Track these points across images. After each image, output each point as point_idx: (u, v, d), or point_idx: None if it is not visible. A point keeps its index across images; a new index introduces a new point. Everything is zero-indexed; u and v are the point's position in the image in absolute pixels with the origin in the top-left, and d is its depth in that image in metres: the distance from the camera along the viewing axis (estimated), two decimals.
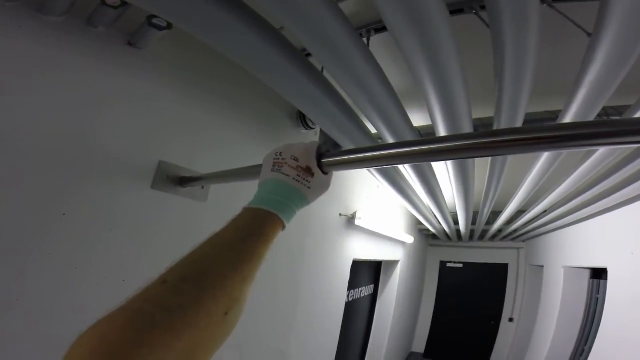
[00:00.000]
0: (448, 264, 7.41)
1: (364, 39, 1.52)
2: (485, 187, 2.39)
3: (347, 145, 1.56)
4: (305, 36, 0.96)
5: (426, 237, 6.66)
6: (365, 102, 1.29)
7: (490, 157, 1.79)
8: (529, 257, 6.35)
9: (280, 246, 1.74)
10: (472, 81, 1.45)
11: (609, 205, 2.62)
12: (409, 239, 4.48)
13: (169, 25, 1.04)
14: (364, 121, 1.57)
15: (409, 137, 1.53)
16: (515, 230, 4.66)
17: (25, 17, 0.90)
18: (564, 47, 1.49)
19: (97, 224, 1.02)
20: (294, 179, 0.55)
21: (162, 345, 0.30)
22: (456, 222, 4.01)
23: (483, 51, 1.22)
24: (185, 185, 1.23)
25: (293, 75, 1.13)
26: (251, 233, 0.46)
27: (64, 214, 0.94)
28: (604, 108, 1.59)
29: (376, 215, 3.22)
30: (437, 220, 3.68)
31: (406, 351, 6.60)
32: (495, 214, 3.76)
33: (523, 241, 6.33)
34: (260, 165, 0.62)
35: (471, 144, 0.51)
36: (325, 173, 0.60)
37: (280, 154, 0.58)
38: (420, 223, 4.97)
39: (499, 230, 4.90)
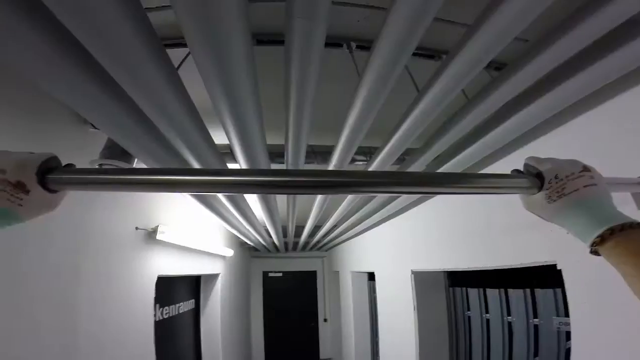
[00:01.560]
0: (270, 274, 7.89)
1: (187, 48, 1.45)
2: (286, 205, 2.68)
3: (137, 152, 1.44)
4: (85, 37, 0.84)
5: (248, 250, 6.85)
6: (160, 119, 1.22)
7: None
8: (330, 265, 7.51)
9: (40, 267, 1.42)
10: (274, 109, 1.62)
11: (371, 224, 3.42)
12: (229, 253, 4.49)
13: None
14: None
15: (208, 154, 1.55)
16: (318, 242, 5.42)
17: None
18: (346, 90, 1.85)
19: None
20: None
21: None
22: (270, 235, 4.32)
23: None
24: None
25: (62, 68, 0.95)
26: None
27: None
28: (367, 147, 2.09)
29: (186, 229, 3.07)
30: (252, 234, 3.86)
31: None
32: (300, 228, 4.27)
33: (325, 251, 7.45)
34: None
35: (253, 180, 0.56)
36: (53, 191, 0.53)
37: None
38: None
39: (307, 242, 5.57)
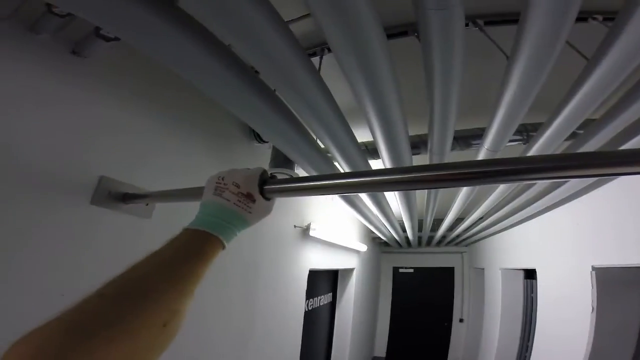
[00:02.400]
0: (400, 270, 7.75)
1: (318, 57, 1.61)
2: (426, 199, 2.58)
3: (297, 158, 1.62)
4: (252, 55, 1.01)
5: (379, 245, 6.91)
6: (312, 119, 1.36)
7: None
8: (471, 261, 6.84)
9: (232, 262, 1.78)
10: (410, 100, 1.60)
11: (532, 213, 2.95)
12: (363, 248, 4.64)
13: (117, 37, 1.04)
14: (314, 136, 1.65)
15: (353, 152, 1.62)
16: (458, 236, 5.02)
17: None
18: (489, 69, 1.69)
19: (32, 240, 0.97)
20: (234, 203, 0.58)
21: (102, 355, 0.32)
22: (404, 230, 4.24)
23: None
24: (129, 202, 1.20)
25: (242, 92, 1.16)
26: (190, 252, 0.49)
27: None
28: (523, 124, 1.84)
29: (330, 226, 3.31)
30: (387, 229, 3.87)
31: (369, 356, 6.73)
32: (438, 222, 4.04)
33: (466, 246, 6.82)
34: (203, 187, 0.64)
35: (409, 177, 0.57)
36: (267, 199, 0.63)
37: (222, 179, 0.61)
38: (373, 232, 5.18)
39: (444, 237, 5.24)
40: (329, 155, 1.80)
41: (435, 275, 7.45)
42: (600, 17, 1.37)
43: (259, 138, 1.95)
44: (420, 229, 4.50)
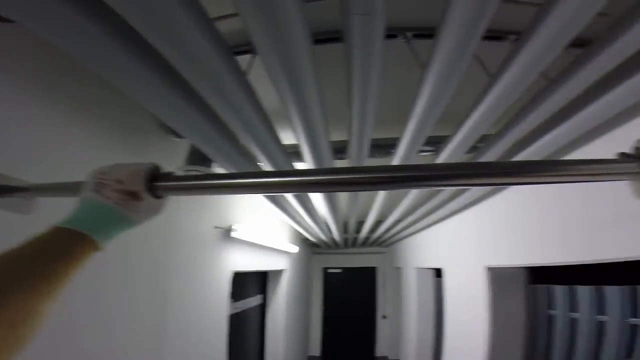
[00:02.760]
0: (330, 270, 8.00)
1: (251, 56, 1.55)
2: (348, 201, 2.68)
3: (216, 157, 1.55)
4: (169, 50, 0.94)
5: (309, 246, 7.02)
6: (233, 118, 1.31)
7: None
8: (391, 260, 7.34)
9: (140, 263, 1.63)
10: (339, 106, 1.63)
11: (440, 217, 3.26)
12: (294, 249, 4.66)
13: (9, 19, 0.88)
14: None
15: (277, 154, 1.61)
16: (379, 237, 5.33)
17: None
18: (413, 81, 1.80)
19: None
20: (115, 202, 0.53)
21: None
22: (331, 231, 4.37)
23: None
24: (8, 195, 1.03)
25: (153, 84, 1.07)
26: (54, 251, 0.45)
27: None
28: (434, 136, 2.00)
29: (257, 226, 3.24)
30: (315, 230, 3.94)
31: (304, 356, 6.77)
32: (361, 224, 4.25)
33: (387, 247, 7.30)
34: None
35: (320, 179, 0.56)
36: (159, 197, 0.58)
37: (105, 174, 0.55)
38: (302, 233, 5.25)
39: (367, 238, 5.52)
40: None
41: (361, 274, 7.86)
42: (513, 37, 1.53)
43: (175, 133, 1.82)
44: (345, 231, 4.67)
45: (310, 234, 4.31)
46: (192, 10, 0.83)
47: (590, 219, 1.70)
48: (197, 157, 1.60)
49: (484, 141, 1.72)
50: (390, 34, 1.49)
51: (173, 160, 1.78)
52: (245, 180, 0.61)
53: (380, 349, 7.40)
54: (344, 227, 4.21)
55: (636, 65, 1.05)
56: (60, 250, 0.45)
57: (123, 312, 1.56)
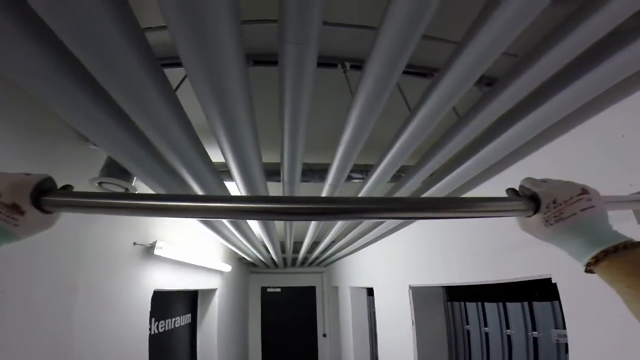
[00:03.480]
0: (268, 289, 7.80)
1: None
2: (284, 224, 2.69)
3: (136, 171, 1.46)
4: (85, 55, 0.87)
5: (247, 265, 6.80)
6: (156, 135, 1.24)
7: None
8: (329, 280, 7.43)
9: (41, 281, 1.44)
10: (273, 128, 1.64)
11: (368, 240, 3.41)
12: (227, 268, 4.47)
13: None
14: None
15: (204, 172, 1.57)
16: (317, 258, 5.39)
17: None
18: (341, 108, 1.87)
19: None
20: None
21: None
22: (269, 251, 4.30)
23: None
24: None
25: (64, 88, 0.98)
26: None
27: None
28: (362, 165, 2.12)
29: (184, 244, 3.07)
30: (250, 250, 3.85)
31: None
32: (299, 244, 4.26)
33: (325, 266, 7.39)
34: None
35: (249, 207, 0.55)
36: (48, 212, 0.54)
37: None
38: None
39: (306, 258, 5.54)
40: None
41: (300, 293, 7.80)
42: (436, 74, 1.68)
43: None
44: (283, 251, 4.63)
45: (246, 254, 4.20)
46: (119, 18, 0.78)
47: (497, 245, 1.92)
48: (116, 169, 1.49)
49: (404, 171, 1.86)
50: (331, 63, 1.57)
51: (89, 170, 1.64)
52: (160, 203, 0.57)
53: None
54: (281, 248, 4.18)
55: (530, 105, 1.23)
56: None
57: (22, 340, 1.35)
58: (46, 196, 0.54)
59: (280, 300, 7.77)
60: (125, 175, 1.48)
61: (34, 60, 0.86)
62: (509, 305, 2.55)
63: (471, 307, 2.87)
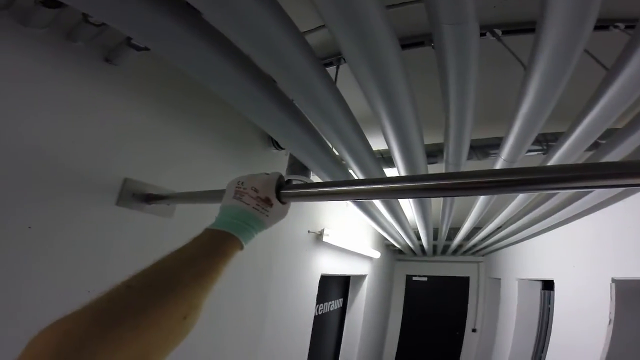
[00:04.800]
0: (414, 278, 7.64)
1: (335, 67, 1.63)
2: (441, 207, 2.56)
3: (312, 166, 1.64)
4: (269, 65, 1.03)
5: (393, 252, 6.84)
6: (327, 127, 1.38)
7: None
8: (488, 271, 6.69)
9: (246, 263, 1.81)
10: (428, 109, 1.60)
11: (552, 224, 2.88)
12: (376, 255, 4.62)
13: (147, 47, 1.09)
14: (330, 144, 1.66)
15: (367, 160, 1.63)
16: (474, 246, 4.93)
17: (6, 27, 0.93)
18: (507, 77, 1.67)
19: (62, 238, 1.02)
20: (253, 207, 0.61)
21: (126, 342, 0.34)
22: (419, 238, 4.20)
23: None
24: (152, 202, 1.26)
25: (261, 101, 1.19)
26: (211, 250, 0.52)
27: (29, 227, 0.95)
28: (542, 134, 1.80)
29: (344, 232, 3.31)
30: (401, 236, 3.84)
31: None
32: (454, 230, 3.98)
33: (482, 255, 6.67)
34: (223, 190, 0.67)
35: (420, 185, 0.58)
36: (283, 203, 0.66)
37: (242, 183, 0.64)
38: (387, 239, 5.16)
39: (460, 246, 5.15)
40: (344, 162, 1.82)
41: (450, 284, 7.31)
42: (622, 25, 1.35)
43: (276, 145, 1.98)
44: (435, 238, 4.44)
45: (396, 240, 4.22)
46: (286, 25, 0.90)
47: None
48: (297, 167, 1.72)
49: (607, 137, 1.49)
50: (480, 33, 1.41)
51: (274, 170, 1.94)
52: (351, 188, 0.65)
53: None
54: (434, 234, 4.01)
55: None
56: (216, 249, 0.53)
57: (231, 314, 1.73)
58: (282, 190, 0.66)
59: (425, 290, 7.46)
60: (305, 171, 1.70)
61: (234, 75, 1.04)
62: None
63: None
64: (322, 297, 3.54)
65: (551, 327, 3.52)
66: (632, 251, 2.21)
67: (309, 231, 2.48)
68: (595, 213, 2.56)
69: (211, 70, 1.02)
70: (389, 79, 1.09)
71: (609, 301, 2.40)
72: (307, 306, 2.73)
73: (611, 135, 1.47)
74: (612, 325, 2.37)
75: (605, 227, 2.52)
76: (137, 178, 1.25)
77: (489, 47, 1.42)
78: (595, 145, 1.56)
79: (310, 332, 2.83)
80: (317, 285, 2.84)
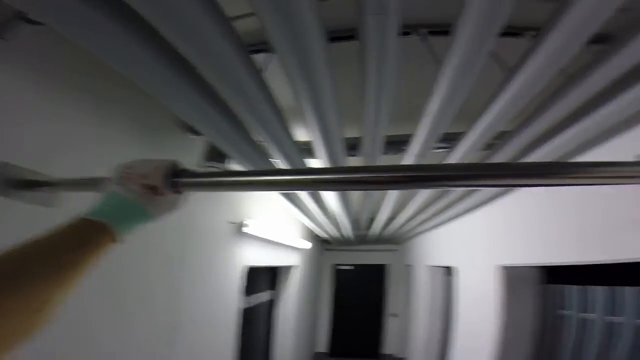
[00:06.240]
0: (340, 267, 8.00)
1: (266, 54, 1.57)
2: (361, 198, 2.69)
3: (232, 154, 1.58)
4: (187, 48, 0.96)
5: (321, 243, 7.04)
6: (249, 115, 1.34)
7: None
8: (403, 258, 7.30)
9: (155, 255, 1.68)
10: (353, 103, 1.64)
11: (453, 215, 3.23)
12: (307, 245, 4.69)
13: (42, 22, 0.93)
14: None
15: (290, 150, 1.64)
16: (391, 234, 5.31)
17: None
18: (429, 77, 1.78)
19: None
20: (137, 195, 0.54)
21: None
22: (343, 227, 4.38)
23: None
24: (32, 189, 1.08)
25: (173, 84, 1.10)
26: (77, 241, 0.46)
27: None
28: (448, 133, 1.98)
29: (270, 222, 3.29)
30: (327, 226, 3.96)
31: (311, 352, 6.82)
32: (373, 220, 4.24)
33: (398, 244, 7.26)
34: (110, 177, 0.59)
35: (340, 178, 0.58)
36: (178, 192, 0.60)
37: (130, 168, 0.57)
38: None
39: (379, 235, 5.50)
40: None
41: (372, 271, 7.83)
42: (532, 34, 1.50)
43: (192, 130, 1.86)
44: (357, 227, 4.67)
45: (322, 230, 4.34)
46: (210, 9, 0.85)
47: (610, 221, 1.67)
48: (214, 154, 1.63)
49: (500, 138, 1.70)
50: (405, 31, 1.49)
51: (190, 157, 1.83)
52: (262, 178, 0.63)
53: (388, 346, 7.39)
54: (356, 224, 4.21)
55: None
56: (80, 240, 0.46)
57: (139, 306, 1.61)
58: (177, 178, 0.59)
59: (351, 278, 7.88)
60: (221, 158, 1.62)
61: (145, 56, 0.96)
62: (621, 289, 2.23)
63: (570, 290, 2.58)
64: (250, 289, 3.49)
65: (455, 311, 3.97)
66: (518, 240, 2.59)
67: (229, 221, 2.40)
68: (489, 205, 2.94)
69: (117, 49, 0.91)
70: (313, 71, 1.10)
71: (499, 287, 2.79)
72: (231, 299, 2.66)
73: (501, 137, 1.68)
74: (500, 309, 2.76)
75: (497, 218, 2.92)
76: (23, 164, 1.06)
77: (413, 47, 1.49)
78: (489, 146, 1.78)
79: (237, 325, 2.77)
80: (242, 277, 2.79)
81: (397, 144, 2.05)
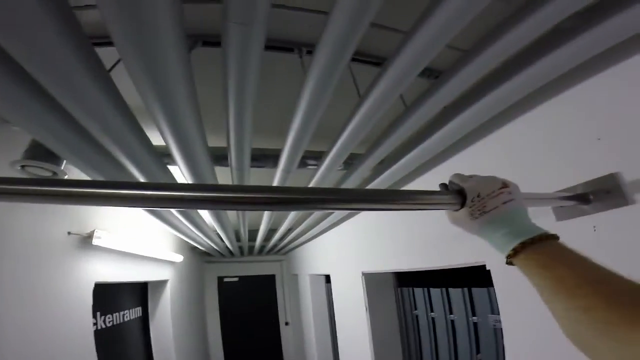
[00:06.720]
0: (225, 279, 7.63)
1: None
2: (236, 212, 2.61)
3: (67, 155, 1.32)
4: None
5: (200, 255, 6.59)
6: (86, 116, 1.13)
7: None
8: (289, 268, 7.44)
9: None
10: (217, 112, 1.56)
11: (323, 228, 3.44)
12: (178, 258, 4.30)
13: None
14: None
15: (147, 157, 1.46)
16: (275, 245, 5.34)
17: None
18: (296, 94, 1.83)
19: None
20: None
21: None
22: (222, 240, 4.18)
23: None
24: None
25: None
26: None
27: None
28: (311, 151, 2.09)
29: (128, 233, 2.90)
30: (203, 239, 3.72)
31: None
32: (254, 232, 4.19)
33: (284, 254, 7.37)
34: None
35: (191, 196, 0.56)
36: None
37: None
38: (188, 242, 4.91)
39: (263, 246, 5.47)
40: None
41: (259, 282, 7.72)
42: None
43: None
44: (238, 239, 4.53)
45: (199, 243, 4.06)
46: None
47: (443, 233, 1.99)
48: (41, 152, 1.33)
49: (353, 159, 1.87)
50: (288, 48, 1.52)
51: (10, 153, 1.46)
52: (94, 191, 0.53)
53: (288, 354, 7.33)
54: (236, 236, 4.08)
55: (469, 100, 1.28)
56: None
57: None
58: None
59: (238, 290, 7.63)
60: (52, 158, 1.34)
61: None
62: (451, 291, 2.69)
63: (418, 293, 3.01)
64: (108, 307, 3.08)
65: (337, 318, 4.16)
66: (377, 249, 2.88)
67: (69, 233, 2.01)
68: (354, 218, 3.22)
69: None
70: (166, 74, 0.98)
71: (365, 292, 3.05)
72: (80, 319, 2.25)
73: (355, 158, 1.85)
74: (368, 312, 3.02)
75: (359, 229, 3.21)
76: None
77: (296, 64, 1.52)
78: (348, 165, 1.94)
79: (94, 348, 2.37)
80: (91, 295, 2.37)
81: (274, 157, 2.05)
